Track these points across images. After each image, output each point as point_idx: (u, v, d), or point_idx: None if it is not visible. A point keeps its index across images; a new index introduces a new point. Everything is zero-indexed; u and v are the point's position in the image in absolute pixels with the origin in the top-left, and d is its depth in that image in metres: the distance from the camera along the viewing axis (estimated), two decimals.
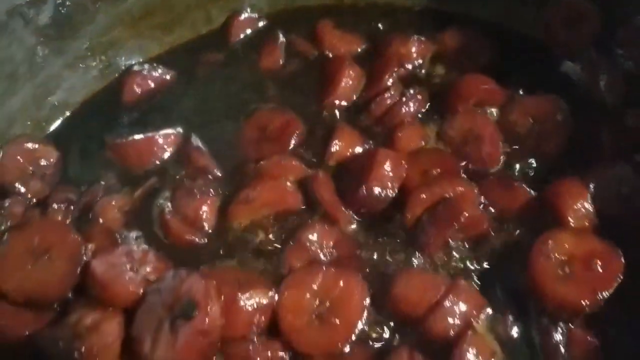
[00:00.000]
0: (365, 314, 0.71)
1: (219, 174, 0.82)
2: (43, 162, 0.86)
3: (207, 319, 0.65)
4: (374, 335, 0.70)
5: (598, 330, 0.70)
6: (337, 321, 0.69)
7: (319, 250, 0.76)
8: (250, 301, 0.69)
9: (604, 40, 0.90)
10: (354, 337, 0.70)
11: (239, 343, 0.69)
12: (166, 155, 0.84)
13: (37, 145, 0.86)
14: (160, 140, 0.85)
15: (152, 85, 0.93)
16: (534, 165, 0.82)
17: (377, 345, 0.70)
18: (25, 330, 0.70)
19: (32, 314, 0.72)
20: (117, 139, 0.84)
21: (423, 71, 0.92)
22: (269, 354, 0.69)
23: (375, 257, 0.76)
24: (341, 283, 0.71)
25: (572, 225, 0.74)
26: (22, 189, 0.83)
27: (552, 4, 0.92)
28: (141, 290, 0.70)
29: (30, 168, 0.85)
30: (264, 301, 0.70)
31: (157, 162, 0.84)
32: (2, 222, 0.78)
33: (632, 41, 0.88)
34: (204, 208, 0.79)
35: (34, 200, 0.83)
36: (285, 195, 0.79)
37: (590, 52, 0.90)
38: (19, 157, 0.85)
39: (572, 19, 0.91)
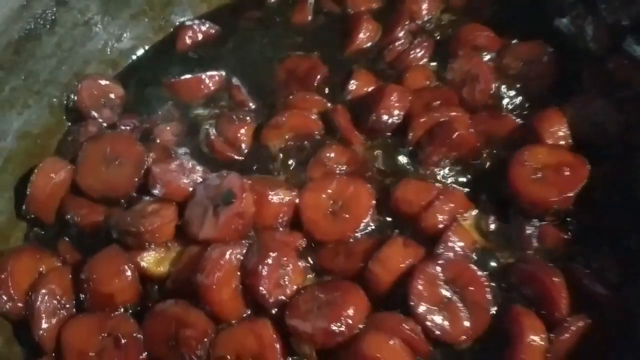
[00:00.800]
0: (370, 212, 0.83)
1: (253, 106, 0.97)
2: (112, 96, 1.03)
3: (242, 204, 0.80)
4: (376, 228, 0.83)
5: (565, 226, 0.81)
6: (347, 216, 0.83)
7: (335, 165, 0.89)
8: (277, 197, 0.84)
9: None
10: (360, 229, 0.83)
11: (268, 230, 0.83)
12: (211, 91, 1.00)
13: (107, 82, 1.02)
14: (207, 80, 1.01)
15: (200, 37, 1.09)
16: (522, 100, 0.93)
17: (378, 235, 0.82)
18: (100, 217, 0.85)
19: (105, 207, 0.87)
20: (172, 79, 1.02)
21: (431, 25, 1.04)
22: (291, 239, 0.83)
23: (381, 171, 0.88)
24: (352, 188, 0.85)
25: (549, 140, 0.86)
26: (96, 115, 1.00)
27: None
28: (191, 188, 0.87)
29: (102, 100, 1.02)
30: (288, 198, 0.84)
31: (203, 97, 1.00)
32: (81, 136, 0.93)
33: None
34: (242, 131, 0.93)
35: (105, 124, 0.98)
36: (309, 122, 0.93)
37: (578, 8, 0.99)
38: (93, 91, 1.01)
39: None
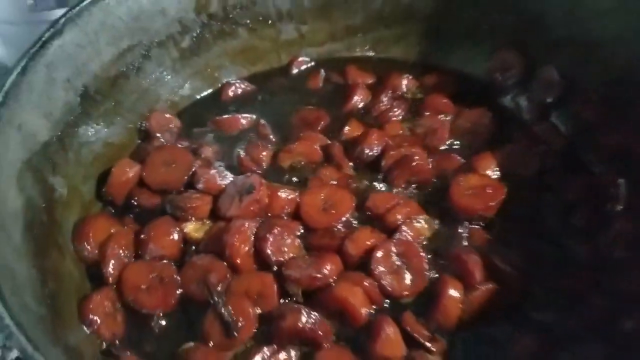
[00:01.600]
0: (350, 210, 1.12)
1: (274, 139, 1.28)
2: (171, 125, 1.31)
3: (259, 194, 1.11)
4: (354, 222, 1.12)
5: (488, 229, 1.11)
6: (334, 212, 1.12)
7: (330, 181, 1.19)
8: (284, 194, 1.13)
9: (524, 82, 1.32)
10: (342, 221, 1.12)
11: (275, 218, 1.13)
12: (244, 127, 1.33)
13: (169, 116, 1.31)
14: (241, 119, 1.32)
15: (239, 92, 1.40)
16: (467, 148, 1.24)
17: (355, 226, 1.12)
18: (157, 201, 1.16)
19: (161, 195, 1.18)
20: (216, 117, 1.38)
21: (408, 94, 1.38)
22: (292, 225, 1.12)
23: (361, 186, 1.18)
24: (339, 194, 1.14)
25: (481, 171, 1.16)
26: (159, 136, 1.29)
27: (493, 59, 1.37)
28: (223, 185, 1.19)
29: (164, 127, 1.30)
30: (292, 196, 1.13)
31: (237, 131, 1.31)
32: (149, 148, 1.23)
33: (540, 83, 1.31)
34: (264, 153, 1.23)
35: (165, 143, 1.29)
36: (313, 151, 1.23)
37: (516, 89, 1.34)
38: (159, 120, 1.30)
39: (505, 68, 1.34)
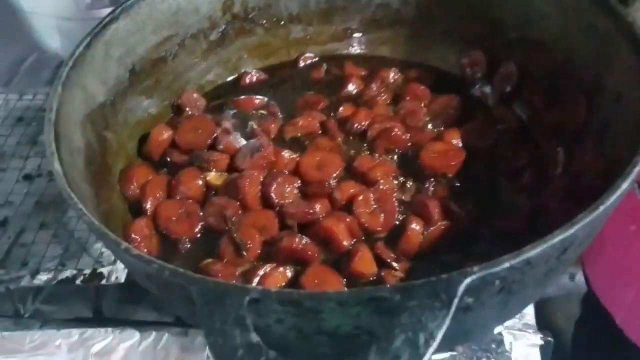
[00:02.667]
0: (340, 169, 1.37)
1: (281, 116, 1.55)
2: (198, 103, 1.56)
3: (267, 152, 1.37)
4: (341, 179, 1.38)
5: (450, 185, 1.37)
6: (327, 169, 1.37)
7: (324, 147, 1.44)
8: (287, 154, 1.39)
9: (489, 75, 1.57)
10: (333, 177, 1.38)
11: (279, 172, 1.38)
12: (257, 106, 1.58)
13: (197, 95, 1.56)
14: (255, 100, 1.56)
15: (255, 80, 1.65)
16: (439, 126, 1.51)
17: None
18: (186, 159, 1.43)
19: (189, 155, 1.49)
20: (235, 97, 1.68)
21: (394, 83, 1.61)
22: (292, 179, 1.36)
23: (350, 152, 1.45)
24: (331, 156, 1.40)
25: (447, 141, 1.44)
26: (188, 110, 1.54)
27: (463, 57, 1.65)
28: (239, 146, 1.48)
29: (193, 104, 1.55)
30: (293, 156, 1.39)
31: (252, 108, 1.57)
32: (180, 118, 1.52)
33: (501, 76, 1.61)
34: (272, 126, 1.48)
35: None
36: (312, 125, 1.49)
37: (482, 82, 1.59)
38: (189, 98, 1.56)
39: (473, 65, 1.60)
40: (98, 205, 1.22)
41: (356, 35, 1.77)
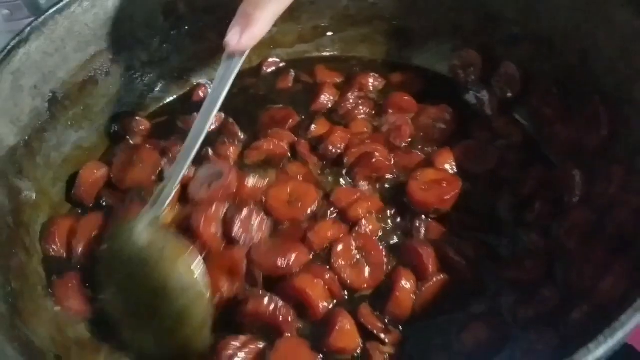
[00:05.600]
0: (315, 204, 1.17)
1: (242, 136, 1.32)
2: (141, 128, 1.35)
3: (228, 180, 1.15)
4: (319, 214, 1.16)
5: (444, 222, 1.15)
6: (300, 205, 1.16)
7: (296, 175, 1.24)
8: (252, 182, 1.19)
9: (486, 79, 1.36)
10: (307, 214, 1.16)
11: (243, 205, 1.14)
12: (214, 126, 1.34)
13: (138, 118, 1.35)
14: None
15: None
16: (428, 144, 1.28)
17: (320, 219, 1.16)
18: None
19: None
20: (186, 117, 1.40)
21: (374, 93, 1.41)
22: (256, 215, 1.14)
23: (325, 181, 1.23)
24: (304, 187, 1.19)
25: (438, 166, 1.22)
26: (128, 138, 1.34)
27: (454, 57, 1.41)
28: (191, 175, 1.20)
29: (134, 129, 1.34)
30: (260, 185, 1.19)
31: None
32: (118, 150, 1.30)
33: (501, 79, 1.35)
34: (231, 150, 1.28)
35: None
36: (279, 148, 1.27)
37: (477, 86, 1.37)
38: (128, 123, 1.34)
39: (466, 66, 1.39)
40: (4, 286, 1.00)
41: (328, 34, 1.54)
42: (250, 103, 1.45)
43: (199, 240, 1.11)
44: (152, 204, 1.08)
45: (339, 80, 1.48)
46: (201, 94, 1.47)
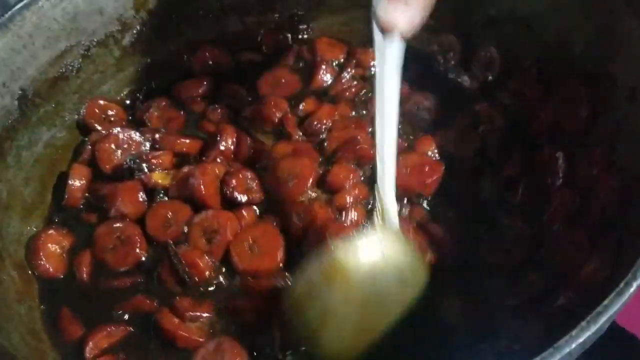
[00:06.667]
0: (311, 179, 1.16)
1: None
2: (111, 113, 1.33)
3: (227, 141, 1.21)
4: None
5: (430, 208, 1.15)
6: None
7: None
8: (253, 143, 1.23)
9: (466, 62, 1.34)
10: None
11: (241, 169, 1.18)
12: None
13: (104, 102, 1.33)
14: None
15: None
16: (412, 131, 1.28)
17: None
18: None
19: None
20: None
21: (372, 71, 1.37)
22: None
23: None
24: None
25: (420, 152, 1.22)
26: (99, 127, 1.31)
27: (433, 42, 1.37)
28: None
29: (104, 117, 1.32)
30: (262, 146, 1.24)
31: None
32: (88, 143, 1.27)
33: (481, 62, 1.33)
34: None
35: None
36: (273, 114, 1.29)
37: (457, 69, 1.36)
38: (96, 109, 1.32)
39: (445, 50, 1.37)
40: None
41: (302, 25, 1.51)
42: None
43: (198, 200, 1.14)
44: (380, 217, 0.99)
45: (341, 56, 1.45)
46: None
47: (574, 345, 0.69)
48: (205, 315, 1.05)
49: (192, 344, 1.03)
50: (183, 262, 1.09)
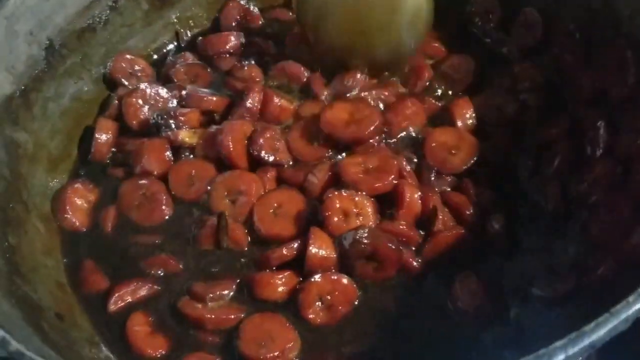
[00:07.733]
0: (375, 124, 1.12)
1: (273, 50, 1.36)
2: (137, 68, 1.32)
3: (255, 99, 1.18)
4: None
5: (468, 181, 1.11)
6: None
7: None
8: (279, 102, 1.19)
9: (506, 26, 1.32)
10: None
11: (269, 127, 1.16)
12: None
13: (132, 57, 1.32)
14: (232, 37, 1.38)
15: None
16: (448, 92, 1.26)
17: None
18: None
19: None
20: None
21: None
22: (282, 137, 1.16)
23: None
24: (363, 110, 1.16)
25: (459, 124, 1.18)
26: (125, 82, 1.30)
27: (472, 3, 1.37)
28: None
29: (130, 72, 1.31)
30: (288, 106, 1.20)
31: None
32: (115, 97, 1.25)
33: (521, 26, 1.30)
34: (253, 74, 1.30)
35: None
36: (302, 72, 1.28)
37: (498, 33, 1.34)
38: (123, 64, 1.31)
39: (485, 12, 1.35)
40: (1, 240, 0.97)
41: None
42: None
43: (225, 159, 1.13)
44: None
45: None
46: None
47: (631, 311, 0.67)
48: (225, 292, 1.03)
49: (222, 324, 1.00)
50: (229, 233, 1.07)
